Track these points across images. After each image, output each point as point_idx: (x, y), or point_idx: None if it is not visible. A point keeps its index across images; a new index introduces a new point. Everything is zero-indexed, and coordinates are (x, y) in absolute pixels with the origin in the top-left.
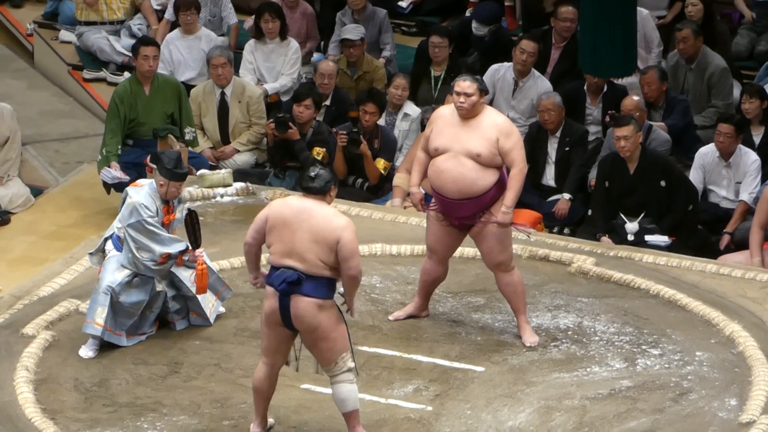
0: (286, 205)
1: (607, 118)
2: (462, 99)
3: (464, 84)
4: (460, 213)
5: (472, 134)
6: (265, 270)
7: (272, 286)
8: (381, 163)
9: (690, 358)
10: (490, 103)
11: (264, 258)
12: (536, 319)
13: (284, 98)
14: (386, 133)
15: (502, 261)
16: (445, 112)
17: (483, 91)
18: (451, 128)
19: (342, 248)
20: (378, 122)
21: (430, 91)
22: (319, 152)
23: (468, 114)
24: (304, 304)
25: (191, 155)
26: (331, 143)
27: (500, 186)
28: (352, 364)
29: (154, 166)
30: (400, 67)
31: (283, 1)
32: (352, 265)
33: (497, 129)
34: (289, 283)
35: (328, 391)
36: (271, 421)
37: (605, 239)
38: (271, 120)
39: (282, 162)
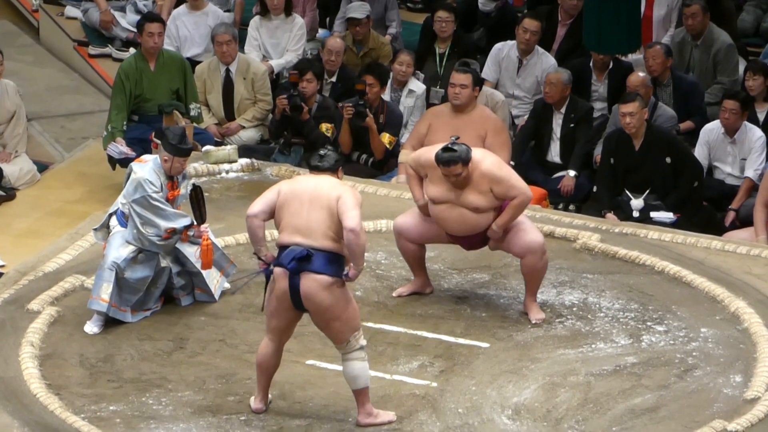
0: (297, 181)
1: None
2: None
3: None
4: (465, 242)
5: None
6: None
7: (281, 265)
8: (386, 138)
9: (695, 334)
10: (496, 83)
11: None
12: (541, 296)
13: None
14: (391, 109)
15: (531, 248)
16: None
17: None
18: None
19: (341, 204)
20: (383, 98)
21: (435, 68)
22: (327, 128)
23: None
24: (313, 283)
25: (196, 131)
26: (337, 118)
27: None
28: (364, 342)
29: (159, 142)
30: (405, 43)
31: None
32: (350, 216)
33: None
34: (299, 260)
35: (333, 366)
36: (270, 396)
37: (610, 216)
38: (285, 96)
39: (287, 138)
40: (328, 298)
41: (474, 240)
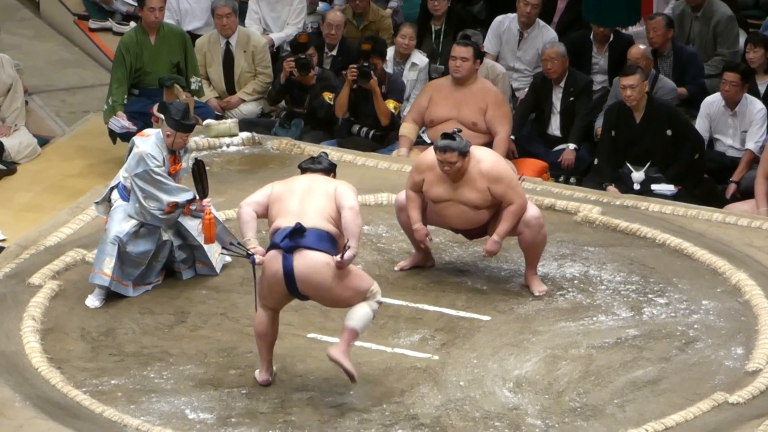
0: (290, 180)
1: None
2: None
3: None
4: (467, 233)
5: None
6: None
7: (274, 246)
8: (391, 104)
9: (696, 306)
10: (497, 56)
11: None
12: (542, 269)
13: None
14: (393, 78)
15: (528, 223)
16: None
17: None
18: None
19: (340, 192)
20: (385, 69)
21: (432, 45)
22: (330, 97)
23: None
24: (307, 261)
25: (197, 105)
26: (338, 88)
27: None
28: (380, 298)
29: (161, 116)
30: (406, 16)
31: None
32: (349, 197)
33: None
34: (291, 234)
35: (334, 340)
36: (274, 368)
37: (611, 188)
38: (293, 59)
39: (289, 108)
40: (323, 275)
41: (475, 232)
